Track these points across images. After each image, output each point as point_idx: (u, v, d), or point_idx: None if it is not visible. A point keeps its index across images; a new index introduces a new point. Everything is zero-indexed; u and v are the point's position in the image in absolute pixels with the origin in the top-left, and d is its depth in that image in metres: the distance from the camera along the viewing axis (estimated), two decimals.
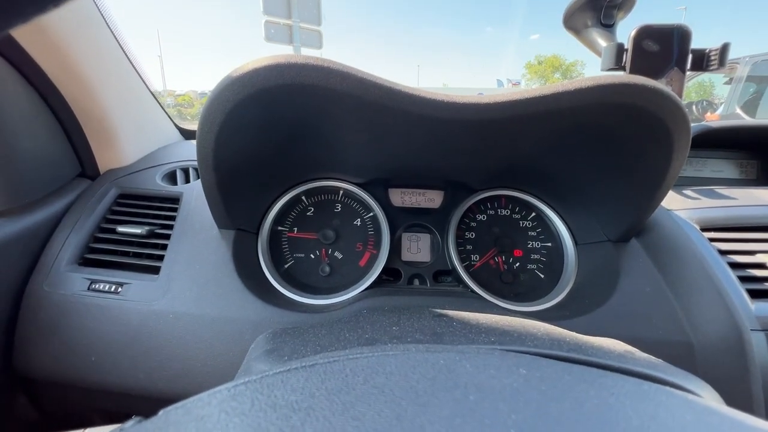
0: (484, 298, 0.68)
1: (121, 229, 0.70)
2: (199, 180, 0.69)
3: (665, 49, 0.72)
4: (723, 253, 0.63)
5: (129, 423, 0.21)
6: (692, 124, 0.52)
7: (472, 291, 0.70)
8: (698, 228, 0.66)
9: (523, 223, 0.81)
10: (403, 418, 0.18)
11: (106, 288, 0.63)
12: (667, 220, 0.69)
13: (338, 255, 0.77)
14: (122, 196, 0.77)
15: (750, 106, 4.43)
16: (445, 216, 0.79)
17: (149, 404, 0.61)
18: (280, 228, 0.78)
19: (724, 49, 0.70)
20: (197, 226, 0.69)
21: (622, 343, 0.39)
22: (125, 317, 0.61)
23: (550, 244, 0.79)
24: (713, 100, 5.34)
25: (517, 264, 0.78)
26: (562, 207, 0.78)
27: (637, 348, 0.37)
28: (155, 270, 0.65)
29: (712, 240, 0.64)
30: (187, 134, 1.10)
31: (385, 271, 0.73)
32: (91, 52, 0.73)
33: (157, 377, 0.59)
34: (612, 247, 0.69)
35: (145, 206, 0.75)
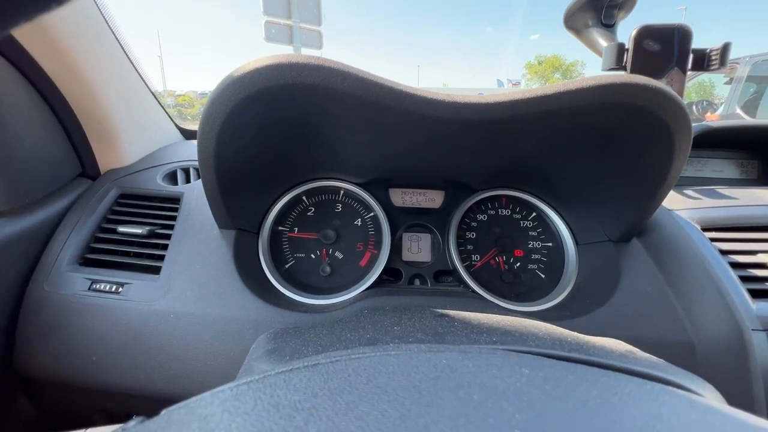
0: (485, 298, 0.68)
1: (121, 229, 0.70)
2: (200, 180, 0.69)
3: (666, 48, 0.72)
4: (724, 253, 0.63)
5: (131, 423, 0.21)
6: (693, 124, 0.52)
7: (473, 291, 0.70)
8: (699, 228, 0.66)
9: (523, 223, 0.81)
10: (407, 417, 0.18)
11: (107, 288, 0.63)
12: (668, 220, 0.69)
13: (339, 255, 0.77)
14: (123, 196, 0.77)
15: (750, 106, 4.43)
16: (446, 216, 0.79)
17: (150, 404, 0.61)
18: (280, 228, 0.78)
19: (725, 48, 0.70)
20: (198, 226, 0.69)
21: (623, 343, 0.39)
22: (126, 317, 0.61)
23: (550, 244, 0.79)
24: (713, 100, 5.34)
25: (518, 264, 0.78)
26: (563, 207, 0.78)
27: (638, 348, 0.37)
28: (156, 270, 0.65)
29: (713, 240, 0.64)
30: (188, 134, 1.10)
31: (385, 271, 0.73)
32: (92, 52, 0.73)
33: (158, 377, 0.59)
34: (613, 247, 0.69)
35: (146, 206, 0.75)
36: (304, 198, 0.80)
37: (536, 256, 0.78)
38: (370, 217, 0.80)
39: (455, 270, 0.73)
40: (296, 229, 0.78)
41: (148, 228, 0.69)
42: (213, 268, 0.64)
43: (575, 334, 0.39)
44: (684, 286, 0.62)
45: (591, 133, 0.55)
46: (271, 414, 0.18)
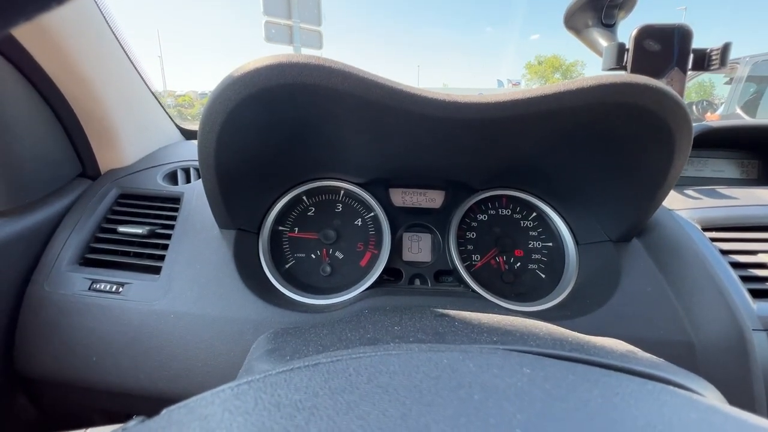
0: (485, 298, 0.68)
1: (122, 229, 0.70)
2: (200, 180, 0.69)
3: (666, 48, 0.72)
4: (724, 252, 0.63)
5: (132, 422, 0.21)
6: (693, 124, 0.52)
7: (473, 291, 0.70)
8: (699, 228, 0.66)
9: (524, 223, 0.81)
10: (408, 417, 0.18)
11: (107, 288, 0.63)
12: (668, 219, 0.69)
13: (339, 255, 0.77)
14: (123, 196, 0.77)
15: (750, 106, 4.43)
16: (446, 216, 0.79)
17: (150, 404, 0.61)
18: (281, 228, 0.78)
19: (726, 48, 0.70)
20: (198, 226, 0.69)
21: (623, 342, 0.39)
22: (126, 317, 0.61)
23: (551, 244, 0.79)
24: (713, 101, 5.34)
25: (518, 264, 0.78)
26: (563, 207, 0.78)
27: (639, 348, 0.37)
28: (156, 270, 0.65)
29: (713, 240, 0.64)
30: (188, 134, 1.10)
31: (386, 271, 0.73)
32: (92, 52, 0.73)
33: (158, 377, 0.59)
34: (613, 247, 0.69)
35: (146, 206, 0.75)
36: (304, 198, 0.80)
37: (536, 256, 0.78)
38: (370, 217, 0.80)
39: (455, 270, 0.73)
40: (296, 229, 0.78)
41: (148, 228, 0.69)
42: (213, 268, 0.64)
43: (576, 334, 0.39)
44: (684, 286, 0.62)
45: (591, 132, 0.55)
46: (272, 413, 0.18)
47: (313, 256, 0.77)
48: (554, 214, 0.79)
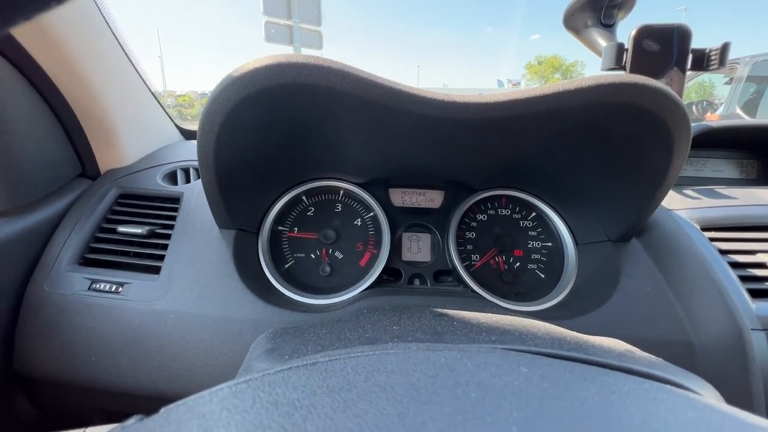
0: (485, 298, 0.68)
1: (121, 229, 0.70)
2: (200, 180, 0.69)
3: (665, 48, 0.72)
4: (723, 252, 0.63)
5: (130, 421, 0.21)
6: (692, 124, 0.52)
7: (473, 291, 0.70)
8: (699, 228, 0.66)
9: (523, 223, 0.81)
10: (405, 415, 0.18)
11: (107, 288, 0.63)
12: (667, 219, 0.69)
13: (339, 255, 0.77)
14: (123, 196, 0.77)
15: (750, 107, 4.43)
16: (446, 216, 0.79)
17: (149, 404, 0.61)
18: (280, 228, 0.78)
19: (725, 48, 0.70)
20: (198, 226, 0.69)
21: (622, 342, 0.39)
22: (126, 317, 0.61)
23: (550, 244, 0.79)
24: (713, 101, 5.34)
25: (518, 264, 0.78)
26: (563, 207, 0.78)
27: (638, 348, 0.37)
28: (156, 270, 0.65)
29: (712, 240, 0.64)
30: (188, 134, 1.11)
31: (385, 270, 0.73)
32: (92, 52, 0.73)
33: (158, 377, 0.59)
34: (612, 247, 0.69)
35: (146, 206, 0.75)
36: (303, 198, 0.80)
37: (536, 256, 0.78)
38: (369, 217, 0.80)
39: (455, 270, 0.73)
40: (296, 229, 0.78)
41: (147, 228, 0.69)
42: (213, 268, 0.64)
43: (574, 333, 0.39)
44: (683, 285, 0.62)
45: (590, 133, 0.55)
46: (270, 412, 0.18)
47: (313, 256, 0.77)
48: (554, 214, 0.79)
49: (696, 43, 0.73)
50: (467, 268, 0.74)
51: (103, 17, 0.77)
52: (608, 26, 0.81)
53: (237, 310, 0.60)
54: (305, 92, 0.47)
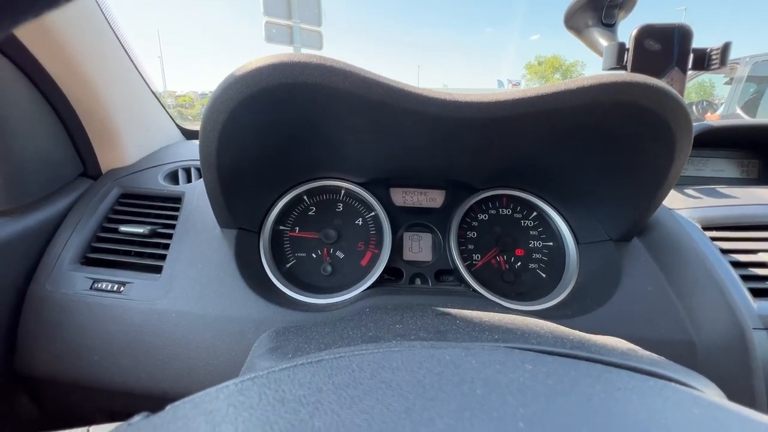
0: (486, 298, 0.68)
1: (123, 228, 0.70)
2: (201, 179, 0.69)
3: (666, 48, 0.72)
4: (725, 252, 0.63)
5: (137, 418, 0.21)
6: (694, 124, 0.52)
7: (474, 290, 0.70)
8: (700, 227, 0.66)
9: (524, 223, 0.81)
10: (412, 411, 0.18)
11: (109, 287, 0.64)
12: (668, 219, 0.69)
13: (340, 254, 0.77)
14: (124, 195, 0.78)
15: (750, 107, 4.43)
16: (447, 215, 0.79)
17: (151, 403, 0.61)
18: (281, 227, 0.78)
19: (726, 48, 0.70)
20: (199, 225, 0.69)
21: (624, 341, 0.39)
22: (127, 316, 0.61)
23: (551, 244, 0.79)
24: (713, 101, 5.34)
25: (519, 263, 0.78)
26: (564, 206, 0.78)
27: (640, 347, 0.37)
28: (157, 269, 0.65)
29: (713, 239, 0.64)
30: (189, 134, 1.11)
31: (386, 270, 0.73)
32: (94, 53, 0.73)
33: (160, 376, 0.59)
34: (614, 247, 0.69)
35: (147, 206, 0.75)
36: (305, 197, 0.80)
37: (537, 256, 0.78)
38: (371, 216, 0.80)
39: (456, 269, 0.73)
40: (297, 228, 0.78)
41: (149, 227, 0.69)
42: (214, 268, 0.64)
43: (576, 332, 0.39)
44: (685, 285, 0.62)
45: (592, 132, 0.55)
46: (277, 408, 0.18)
47: (314, 255, 0.77)
48: (555, 213, 0.79)
49: (696, 44, 0.73)
50: (468, 268, 0.74)
51: (105, 18, 0.77)
52: (609, 26, 0.81)
53: (238, 310, 0.60)
54: (307, 91, 0.47)
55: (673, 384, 0.25)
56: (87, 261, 0.68)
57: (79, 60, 0.70)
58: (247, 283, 0.63)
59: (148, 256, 0.69)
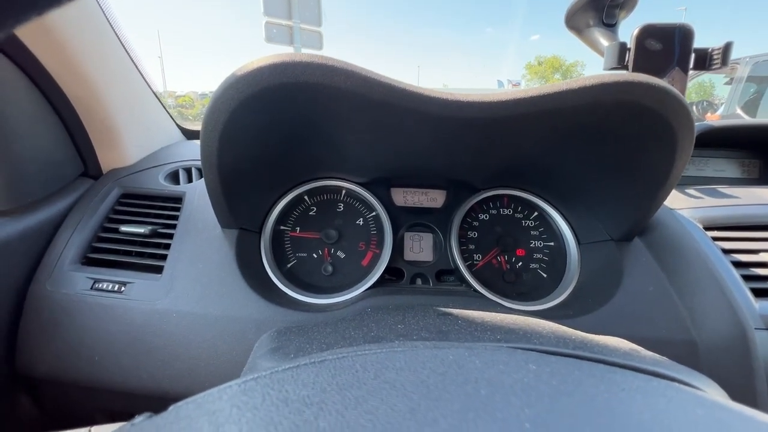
0: (487, 298, 0.68)
1: (124, 228, 0.70)
2: (202, 179, 0.69)
3: (667, 48, 0.72)
4: (726, 252, 0.63)
5: (139, 418, 0.21)
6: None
7: (475, 290, 0.70)
8: (701, 227, 0.66)
9: (525, 223, 0.81)
10: (416, 411, 0.18)
11: (109, 287, 0.63)
12: (670, 219, 0.69)
13: (341, 254, 0.77)
14: (125, 195, 0.77)
15: (750, 107, 4.43)
16: (448, 215, 0.79)
17: (152, 403, 0.61)
18: (282, 227, 0.78)
19: (727, 48, 0.70)
20: (200, 225, 0.69)
21: (626, 341, 0.39)
22: (128, 316, 0.61)
23: (552, 244, 0.79)
24: (714, 101, 5.35)
25: (520, 263, 0.78)
26: (565, 206, 0.78)
27: (642, 347, 0.37)
28: (158, 269, 0.65)
29: (715, 239, 0.64)
30: (189, 134, 1.11)
31: (387, 270, 0.73)
32: (94, 53, 0.73)
33: (161, 376, 0.59)
34: (615, 247, 0.69)
35: (148, 206, 0.75)
36: (305, 197, 0.80)
37: (538, 256, 0.78)
38: (371, 216, 0.80)
39: (457, 269, 0.73)
40: (298, 228, 0.78)
41: (150, 227, 0.69)
42: (215, 268, 0.64)
43: (578, 332, 0.39)
44: (686, 285, 0.62)
45: (593, 132, 0.55)
46: (281, 408, 0.18)
47: (315, 255, 0.77)
48: (556, 213, 0.79)
49: (696, 43, 0.73)
50: (469, 268, 0.74)
51: (106, 17, 0.77)
52: (610, 26, 0.81)
53: (239, 310, 0.60)
54: (309, 91, 0.47)
55: (676, 384, 0.25)
56: (88, 261, 0.68)
57: (80, 60, 0.70)
58: (248, 283, 0.63)
59: (148, 256, 0.69)
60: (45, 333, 0.62)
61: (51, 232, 0.70)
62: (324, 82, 0.45)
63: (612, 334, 0.44)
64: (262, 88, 0.46)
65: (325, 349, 0.34)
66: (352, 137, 0.62)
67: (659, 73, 0.72)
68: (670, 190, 0.57)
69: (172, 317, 0.60)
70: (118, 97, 0.81)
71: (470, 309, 0.48)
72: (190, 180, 0.82)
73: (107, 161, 0.84)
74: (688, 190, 0.79)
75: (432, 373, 0.22)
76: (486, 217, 0.81)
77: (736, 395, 0.31)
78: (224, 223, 0.68)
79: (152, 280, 0.64)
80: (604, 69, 0.77)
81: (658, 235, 0.69)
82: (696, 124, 0.66)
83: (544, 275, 0.76)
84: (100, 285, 0.64)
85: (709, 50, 0.72)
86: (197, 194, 0.74)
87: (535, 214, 0.81)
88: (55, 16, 0.64)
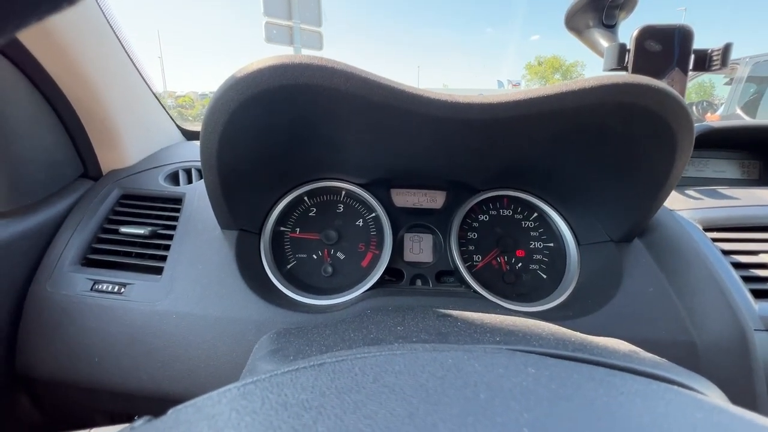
0: (487, 299, 0.68)
1: (123, 229, 0.70)
2: (202, 180, 0.69)
3: (667, 49, 0.72)
4: (726, 253, 0.63)
5: (139, 422, 0.21)
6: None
7: (475, 291, 0.70)
8: (701, 228, 0.66)
9: (525, 224, 0.81)
10: (415, 416, 0.18)
11: (109, 288, 0.63)
12: (669, 220, 0.69)
13: (340, 255, 0.77)
14: (125, 196, 0.77)
15: (750, 107, 4.43)
16: (448, 216, 0.79)
17: (152, 405, 0.61)
18: (282, 228, 0.78)
19: (727, 49, 0.70)
20: (200, 226, 0.69)
21: (626, 343, 0.39)
22: (128, 317, 0.61)
23: (552, 245, 0.79)
24: (713, 101, 5.34)
25: (520, 264, 0.78)
26: (565, 207, 0.78)
27: (641, 348, 0.37)
28: (158, 270, 0.65)
29: (715, 240, 0.64)
30: (189, 135, 1.11)
31: (387, 271, 0.73)
32: (94, 54, 0.73)
33: (160, 378, 0.59)
34: (615, 248, 0.69)
35: (148, 207, 0.75)
36: (305, 198, 0.80)
37: (538, 257, 0.78)
38: (371, 217, 0.80)
39: (457, 270, 0.73)
40: (298, 229, 0.78)
41: (150, 228, 0.69)
42: (215, 269, 0.64)
43: (578, 334, 0.39)
44: (686, 286, 0.62)
45: (593, 133, 0.55)
46: (280, 413, 0.18)
47: (315, 256, 0.77)
48: (555, 214, 0.79)
49: (695, 44, 0.73)
50: (469, 269, 0.74)
51: (106, 19, 0.77)
52: (610, 27, 0.81)
53: (239, 311, 0.60)
54: (309, 93, 0.47)
55: (675, 387, 0.25)
56: (87, 262, 0.68)
57: (80, 61, 0.70)
58: (247, 285, 0.63)
59: (148, 257, 0.69)
60: (45, 334, 0.62)
61: (51, 233, 0.70)
62: (324, 84, 0.46)
63: (612, 335, 0.44)
64: (262, 89, 0.46)
65: (324, 352, 0.34)
66: (352, 138, 0.62)
67: (659, 74, 0.72)
68: (670, 191, 0.57)
69: (171, 318, 0.60)
70: (118, 98, 0.81)
71: (470, 310, 0.48)
72: (190, 181, 0.82)
73: (107, 162, 0.84)
74: (687, 191, 0.79)
75: (431, 377, 0.22)
76: (486, 218, 0.81)
77: (735, 396, 0.31)
78: (224, 224, 0.68)
79: (152, 281, 0.64)
80: (604, 70, 0.77)
81: (657, 236, 0.69)
82: (696, 124, 0.66)
83: (544, 276, 0.76)
84: (100, 286, 0.64)
85: (709, 51, 0.72)
86: (197, 195, 0.74)
87: (535, 215, 0.81)
88: (55, 18, 0.64)
